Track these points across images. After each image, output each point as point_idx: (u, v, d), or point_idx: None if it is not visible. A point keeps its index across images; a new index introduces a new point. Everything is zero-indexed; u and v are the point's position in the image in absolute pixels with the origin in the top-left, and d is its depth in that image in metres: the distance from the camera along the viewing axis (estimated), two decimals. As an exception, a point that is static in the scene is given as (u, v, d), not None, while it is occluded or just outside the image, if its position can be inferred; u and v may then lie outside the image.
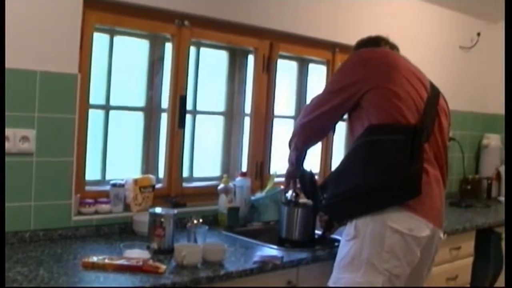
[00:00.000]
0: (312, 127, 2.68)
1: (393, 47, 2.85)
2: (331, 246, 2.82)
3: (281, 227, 2.97)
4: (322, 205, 2.63)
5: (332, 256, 2.61)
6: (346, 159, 2.56)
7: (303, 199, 2.92)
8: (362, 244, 2.39)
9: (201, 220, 2.69)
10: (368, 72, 2.51)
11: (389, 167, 2.38)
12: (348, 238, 2.44)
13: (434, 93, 2.62)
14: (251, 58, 3.53)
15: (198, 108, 3.37)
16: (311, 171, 2.87)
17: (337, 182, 2.53)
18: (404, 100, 2.45)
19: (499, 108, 4.44)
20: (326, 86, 2.74)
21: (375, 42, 2.81)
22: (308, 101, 2.80)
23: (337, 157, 3.95)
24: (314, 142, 2.82)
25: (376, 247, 2.37)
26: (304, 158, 2.83)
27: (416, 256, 2.42)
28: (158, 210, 2.58)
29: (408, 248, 2.39)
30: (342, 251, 2.48)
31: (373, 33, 3.88)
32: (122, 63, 3.01)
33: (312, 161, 3.89)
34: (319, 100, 2.64)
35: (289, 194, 2.96)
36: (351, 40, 2.85)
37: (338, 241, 2.82)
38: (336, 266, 2.49)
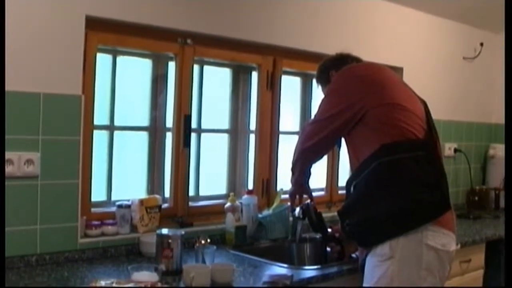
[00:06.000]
0: (315, 150, 2.66)
1: (359, 61, 2.81)
2: (342, 263, 2.78)
3: (292, 262, 2.93)
4: (347, 231, 2.53)
5: (342, 273, 2.57)
6: (367, 182, 2.44)
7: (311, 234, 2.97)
8: (400, 264, 2.33)
9: (208, 240, 2.65)
10: (368, 90, 2.46)
11: (421, 185, 2.36)
12: (383, 258, 2.36)
13: (423, 101, 2.62)
14: (254, 75, 3.52)
15: (203, 126, 3.35)
16: (314, 203, 2.86)
17: (363, 206, 2.43)
18: (412, 114, 2.44)
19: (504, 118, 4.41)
20: (324, 107, 2.60)
21: (343, 60, 2.76)
22: (310, 119, 2.78)
23: (343, 172, 3.93)
24: (316, 161, 2.80)
25: (414, 266, 2.34)
26: (308, 177, 2.85)
27: (447, 270, 2.43)
28: (165, 231, 2.55)
29: (441, 264, 2.38)
30: (377, 271, 2.38)
31: (376, 46, 3.92)
32: (126, 83, 3.00)
33: (318, 177, 3.87)
34: (320, 124, 2.57)
35: (297, 211, 2.93)
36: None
37: (351, 258, 2.79)
38: (373, 286, 2.41)
